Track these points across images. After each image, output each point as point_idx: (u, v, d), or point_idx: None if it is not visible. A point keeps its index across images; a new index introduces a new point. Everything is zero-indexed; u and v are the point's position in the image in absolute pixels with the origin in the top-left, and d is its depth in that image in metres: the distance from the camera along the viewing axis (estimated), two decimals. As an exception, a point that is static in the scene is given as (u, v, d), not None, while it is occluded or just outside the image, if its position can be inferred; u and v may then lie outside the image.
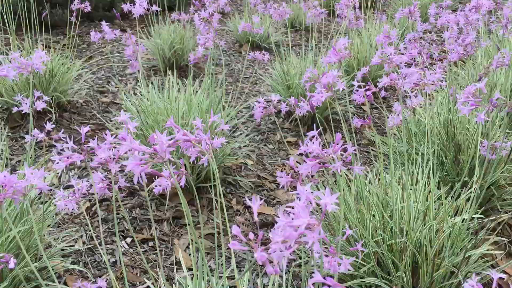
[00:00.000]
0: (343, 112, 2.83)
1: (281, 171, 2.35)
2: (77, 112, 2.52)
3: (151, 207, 1.88)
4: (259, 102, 1.50)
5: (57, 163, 0.91)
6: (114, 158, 0.93)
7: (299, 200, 0.73)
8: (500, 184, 1.82)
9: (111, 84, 2.98)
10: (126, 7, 2.06)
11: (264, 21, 3.95)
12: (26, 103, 1.34)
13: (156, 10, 1.98)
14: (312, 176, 1.11)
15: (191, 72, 2.25)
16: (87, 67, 3.06)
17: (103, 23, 1.84)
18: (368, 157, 2.37)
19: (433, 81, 1.54)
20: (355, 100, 1.47)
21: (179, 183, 1.05)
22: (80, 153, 0.94)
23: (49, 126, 1.34)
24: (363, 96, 1.48)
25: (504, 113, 1.96)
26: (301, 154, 2.44)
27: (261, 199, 2.14)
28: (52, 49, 3.18)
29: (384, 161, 2.11)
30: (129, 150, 0.89)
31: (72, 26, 2.70)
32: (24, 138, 2.24)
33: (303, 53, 2.78)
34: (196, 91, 2.13)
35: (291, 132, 2.63)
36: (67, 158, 0.92)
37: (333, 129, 1.92)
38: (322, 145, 2.76)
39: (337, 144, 1.01)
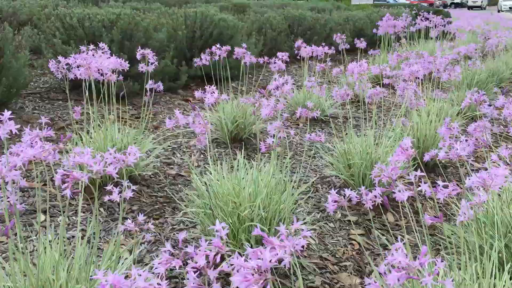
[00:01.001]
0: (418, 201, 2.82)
1: (343, 253, 2.36)
2: (146, 185, 2.65)
3: None
4: (331, 195, 1.54)
5: (156, 268, 0.98)
6: (211, 265, 0.99)
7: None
8: None
9: (176, 155, 3.13)
10: (198, 94, 2.20)
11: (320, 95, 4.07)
12: (115, 192, 1.44)
13: (226, 100, 2.10)
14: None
15: (259, 151, 2.35)
16: (156, 139, 3.24)
17: (176, 111, 1.97)
18: (433, 243, 2.33)
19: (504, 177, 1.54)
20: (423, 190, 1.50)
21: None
22: (178, 258, 1.01)
23: (129, 194, 1.44)
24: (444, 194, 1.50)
25: None
26: (362, 234, 2.44)
27: (323, 282, 2.13)
28: (122, 120, 3.40)
29: (446, 247, 2.08)
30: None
31: (148, 98, 2.89)
32: (102, 211, 2.37)
33: (362, 130, 2.84)
34: (262, 168, 2.21)
35: (351, 211, 2.64)
36: (166, 262, 0.99)
37: (397, 211, 1.93)
38: (382, 225, 2.72)
39: (424, 256, 1.03)
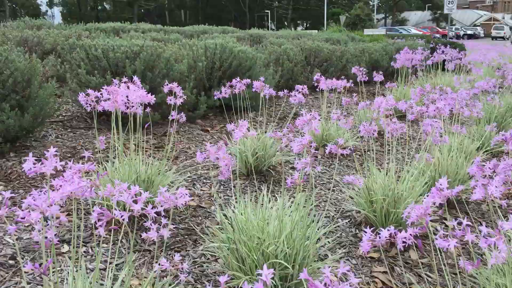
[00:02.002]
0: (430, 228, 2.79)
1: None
2: (167, 216, 2.65)
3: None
4: (366, 235, 1.53)
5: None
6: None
7: None
8: None
9: (196, 186, 3.14)
10: (229, 127, 2.21)
11: (340, 127, 4.09)
12: (153, 230, 1.45)
13: (248, 136, 2.12)
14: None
15: (284, 185, 2.35)
16: (177, 169, 3.26)
17: (208, 145, 1.98)
18: (455, 281, 2.29)
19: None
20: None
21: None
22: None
23: (166, 233, 1.45)
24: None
25: None
26: (385, 272, 2.41)
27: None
28: (143, 149, 3.43)
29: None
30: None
31: (173, 129, 2.92)
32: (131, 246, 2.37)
33: (385, 166, 2.83)
34: (287, 202, 2.21)
35: (373, 247, 2.60)
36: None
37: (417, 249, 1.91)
38: (405, 263, 2.68)
39: None
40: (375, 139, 4.73)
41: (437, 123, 2.69)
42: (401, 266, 2.46)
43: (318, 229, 2.21)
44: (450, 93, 3.25)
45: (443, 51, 6.60)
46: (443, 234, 1.37)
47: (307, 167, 1.94)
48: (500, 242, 1.29)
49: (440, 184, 1.50)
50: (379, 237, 1.73)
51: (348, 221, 2.88)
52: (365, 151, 4.31)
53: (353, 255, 2.52)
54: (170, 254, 2.32)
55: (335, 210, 3.02)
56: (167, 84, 2.73)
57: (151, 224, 1.44)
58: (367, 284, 2.29)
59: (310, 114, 2.31)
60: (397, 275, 2.37)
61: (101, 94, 2.34)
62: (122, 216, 1.26)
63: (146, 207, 1.33)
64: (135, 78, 2.44)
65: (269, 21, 54.52)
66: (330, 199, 3.20)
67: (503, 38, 42.64)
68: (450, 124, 3.68)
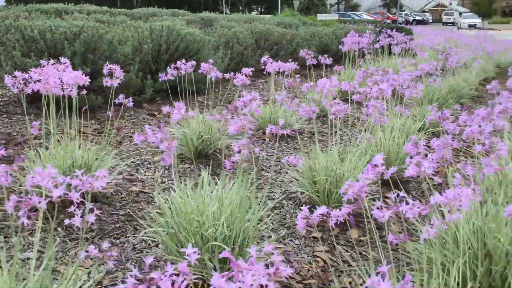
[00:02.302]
0: (370, 206, 2.84)
1: (308, 271, 2.35)
2: (107, 203, 2.57)
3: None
4: (301, 212, 1.52)
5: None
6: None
7: None
8: (535, 298, 1.78)
9: (140, 172, 3.06)
10: (165, 109, 2.16)
11: (288, 111, 4.09)
12: (77, 215, 1.38)
13: (192, 116, 2.08)
14: None
15: (224, 168, 2.32)
16: (119, 155, 3.16)
17: (147, 127, 1.92)
18: (395, 258, 2.35)
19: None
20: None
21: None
22: (143, 283, 0.96)
23: (92, 218, 1.39)
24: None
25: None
26: (327, 251, 2.44)
27: (289, 302, 2.09)
28: (84, 135, 3.31)
29: (409, 264, 2.09)
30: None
31: (112, 112, 2.82)
32: (60, 230, 2.28)
33: (329, 146, 2.86)
34: (226, 184, 2.18)
35: (317, 227, 2.63)
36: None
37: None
38: (347, 242, 2.72)
39: (406, 284, 1.02)
40: (323, 122, 4.78)
41: (380, 104, 2.73)
42: (343, 245, 2.50)
43: (259, 211, 2.20)
44: (391, 73, 3.30)
45: (389, 35, 6.72)
46: (379, 205, 1.38)
47: (244, 149, 1.91)
48: (424, 212, 1.32)
49: (376, 160, 1.51)
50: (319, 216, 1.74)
51: (293, 203, 2.90)
52: (312, 134, 4.34)
53: (296, 236, 2.53)
54: (109, 241, 2.25)
55: (280, 192, 3.03)
56: (107, 65, 2.62)
57: (75, 210, 1.37)
58: (309, 264, 2.31)
59: (251, 95, 2.28)
60: (338, 254, 2.40)
61: (34, 75, 2.22)
62: (40, 202, 1.19)
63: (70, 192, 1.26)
64: (63, 59, 2.33)
65: (224, 5, 53.98)
66: (276, 181, 3.21)
67: (453, 23, 44.27)
68: (393, 105, 3.75)
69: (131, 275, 0.95)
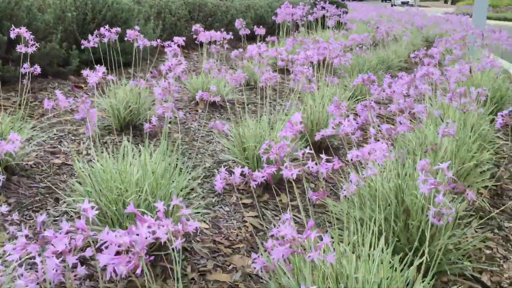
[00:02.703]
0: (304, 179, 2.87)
1: (237, 236, 2.35)
2: (26, 175, 2.44)
3: (102, 278, 1.81)
4: (220, 174, 1.50)
5: (10, 255, 0.87)
6: (71, 248, 0.90)
7: None
8: (448, 249, 1.88)
9: (63, 144, 2.92)
10: (85, 73, 2.05)
11: (221, 80, 4.04)
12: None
13: (113, 80, 1.99)
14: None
15: (147, 135, 2.25)
16: (39, 125, 3.00)
17: (57, 92, 1.81)
18: (322, 220, 2.40)
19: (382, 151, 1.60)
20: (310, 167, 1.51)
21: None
22: (35, 242, 0.91)
23: (3, 209, 1.29)
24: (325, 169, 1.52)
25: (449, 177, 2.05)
26: (256, 216, 2.45)
27: (216, 265, 2.11)
28: (2, 107, 3.11)
29: (336, 224, 2.15)
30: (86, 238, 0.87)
31: (26, 82, 2.66)
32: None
33: (257, 113, 2.85)
34: (151, 154, 2.12)
35: (246, 193, 2.64)
36: (22, 248, 0.88)
37: (287, 190, 1.95)
38: (276, 206, 2.74)
39: (310, 230, 1.03)
40: (257, 93, 4.77)
41: (306, 70, 2.74)
42: (272, 210, 2.52)
43: (186, 177, 2.16)
44: (321, 42, 3.32)
45: (323, 7, 6.78)
46: (288, 165, 1.39)
47: (168, 112, 1.85)
48: (336, 166, 1.33)
49: (294, 118, 1.51)
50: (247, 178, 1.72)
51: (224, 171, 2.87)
52: (246, 104, 4.33)
53: (226, 203, 2.52)
54: (27, 214, 2.14)
55: (212, 161, 3.00)
56: (13, 29, 2.44)
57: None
58: (238, 229, 2.31)
59: (176, 59, 2.21)
60: (268, 219, 2.42)
61: None
62: None
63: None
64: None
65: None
66: (207, 150, 3.17)
67: (407, 3, 44.88)
68: (325, 75, 3.80)
69: (21, 235, 0.89)
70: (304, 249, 1.14)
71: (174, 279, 1.85)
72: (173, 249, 0.99)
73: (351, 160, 1.47)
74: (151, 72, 2.07)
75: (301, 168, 1.35)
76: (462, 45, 3.84)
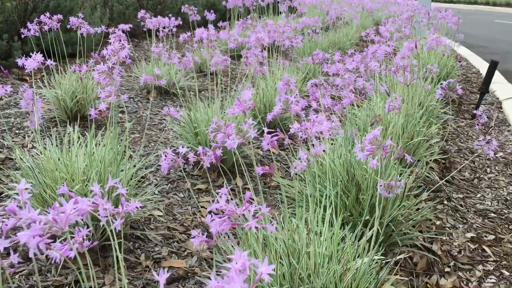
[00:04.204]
0: (254, 154, 2.87)
1: (192, 221, 2.32)
2: (-34, 171, 2.31)
3: (51, 272, 1.74)
4: (165, 155, 1.47)
5: None
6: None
7: (235, 264, 0.73)
8: (398, 220, 1.92)
9: (6, 138, 2.79)
10: (20, 61, 1.96)
11: (172, 67, 3.97)
12: None
13: (52, 64, 1.90)
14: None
15: (92, 122, 2.18)
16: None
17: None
18: (277, 200, 2.40)
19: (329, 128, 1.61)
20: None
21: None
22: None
23: None
24: (268, 144, 1.52)
25: (396, 154, 2.10)
26: (212, 201, 2.43)
27: (171, 252, 2.07)
28: None
29: (291, 204, 2.16)
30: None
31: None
32: None
33: (209, 99, 2.81)
34: (99, 144, 2.06)
35: (201, 179, 2.61)
36: None
37: (244, 173, 1.94)
38: (231, 190, 2.73)
39: (248, 202, 1.01)
40: (210, 79, 4.72)
41: (256, 52, 2.72)
42: (227, 194, 2.50)
43: (135, 166, 2.11)
44: (271, 24, 3.31)
45: (274, -8, 6.76)
46: (233, 137, 1.37)
47: (112, 96, 1.79)
48: (275, 138, 1.33)
49: (244, 95, 1.49)
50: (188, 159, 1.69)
51: (178, 158, 2.83)
52: (199, 91, 4.27)
53: (180, 189, 2.49)
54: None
55: (164, 148, 2.94)
56: None
57: None
58: (193, 214, 2.28)
59: (119, 43, 2.14)
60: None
61: None
62: None
63: None
64: None
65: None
66: (160, 138, 3.11)
67: None
68: (276, 59, 3.79)
69: None
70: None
71: (121, 267, 1.82)
72: (111, 230, 0.96)
73: (294, 134, 1.47)
74: (93, 57, 2.00)
75: (245, 140, 1.33)
76: (408, 24, 3.92)
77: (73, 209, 0.80)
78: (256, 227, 1.51)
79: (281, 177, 2.61)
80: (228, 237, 1.76)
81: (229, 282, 0.68)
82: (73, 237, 1.01)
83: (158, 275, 0.77)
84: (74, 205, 0.81)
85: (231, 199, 2.65)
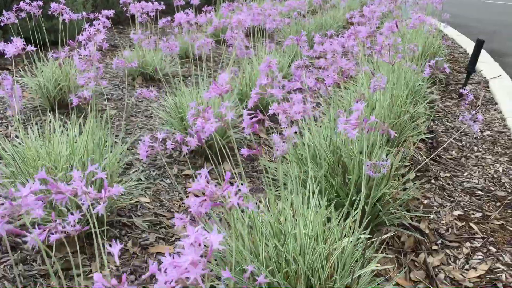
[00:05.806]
0: (240, 139, 2.85)
1: (179, 207, 2.31)
2: None
3: (36, 261, 1.73)
4: (143, 142, 1.45)
5: None
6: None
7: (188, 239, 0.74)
8: (386, 200, 1.92)
9: (-11, 128, 2.75)
10: (0, 46, 1.91)
11: (157, 53, 3.91)
12: None
13: (32, 50, 1.86)
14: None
15: (74, 110, 2.14)
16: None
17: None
18: (265, 184, 2.39)
19: (312, 108, 1.59)
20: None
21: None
22: None
23: None
24: (250, 126, 1.50)
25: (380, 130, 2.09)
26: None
27: (158, 238, 2.06)
28: None
29: (279, 187, 2.15)
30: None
31: None
32: None
33: (194, 83, 2.78)
34: (82, 132, 2.03)
35: (188, 165, 2.59)
36: None
37: (230, 157, 1.92)
38: (219, 175, 2.71)
39: (228, 183, 1.00)
40: (197, 65, 4.67)
41: (239, 35, 2.69)
42: (215, 179, 2.49)
43: (121, 153, 2.08)
44: (255, 7, 3.27)
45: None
46: (212, 120, 1.35)
47: (91, 82, 1.76)
48: (265, 125, 1.31)
49: (220, 78, 1.47)
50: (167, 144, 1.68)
51: (164, 144, 2.80)
52: (185, 77, 4.23)
53: (167, 175, 2.47)
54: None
55: (152, 136, 2.91)
56: None
57: None
58: (180, 200, 2.27)
59: (94, 28, 2.10)
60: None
61: None
62: None
63: None
64: None
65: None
66: (147, 125, 3.08)
67: None
68: (262, 43, 3.76)
69: None
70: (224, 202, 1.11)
71: (103, 254, 1.80)
72: (91, 215, 0.94)
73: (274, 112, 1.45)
74: (69, 44, 1.95)
75: (224, 124, 1.31)
76: (393, 3, 3.89)
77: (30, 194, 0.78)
78: (241, 211, 1.50)
79: (269, 160, 2.60)
80: (216, 221, 1.75)
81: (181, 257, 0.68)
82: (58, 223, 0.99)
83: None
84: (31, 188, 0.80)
85: (219, 183, 2.63)
